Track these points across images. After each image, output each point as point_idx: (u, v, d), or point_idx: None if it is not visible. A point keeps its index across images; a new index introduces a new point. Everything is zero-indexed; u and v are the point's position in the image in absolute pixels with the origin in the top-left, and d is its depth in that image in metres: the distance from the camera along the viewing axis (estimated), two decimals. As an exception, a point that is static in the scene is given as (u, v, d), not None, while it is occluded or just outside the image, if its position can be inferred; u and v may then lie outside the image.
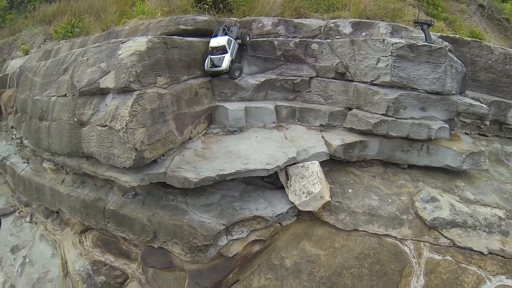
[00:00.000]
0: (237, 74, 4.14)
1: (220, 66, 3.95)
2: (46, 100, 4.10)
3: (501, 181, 3.92)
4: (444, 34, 4.83)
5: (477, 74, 4.85)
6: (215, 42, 3.98)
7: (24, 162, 5.05)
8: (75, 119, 3.44)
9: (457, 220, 3.23)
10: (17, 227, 4.93)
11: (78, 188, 3.98)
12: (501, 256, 3.12)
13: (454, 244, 3.17)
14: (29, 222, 4.92)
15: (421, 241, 3.18)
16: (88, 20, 6.23)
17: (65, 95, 3.76)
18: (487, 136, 4.86)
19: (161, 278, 3.25)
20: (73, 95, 3.57)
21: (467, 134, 4.73)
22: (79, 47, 5.10)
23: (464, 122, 4.80)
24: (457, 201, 3.47)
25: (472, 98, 4.42)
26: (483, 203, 3.50)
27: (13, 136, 5.63)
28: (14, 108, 5.36)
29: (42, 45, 6.50)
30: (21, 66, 5.90)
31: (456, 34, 5.55)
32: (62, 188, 4.09)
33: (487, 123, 4.80)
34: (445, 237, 3.20)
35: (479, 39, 5.50)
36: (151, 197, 3.44)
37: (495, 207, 3.45)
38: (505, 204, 3.49)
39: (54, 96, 3.96)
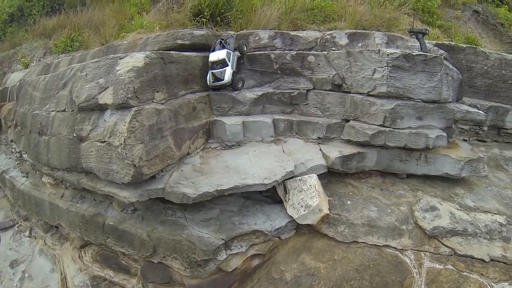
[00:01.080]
0: (240, 85, 4.18)
1: (223, 80, 4.00)
2: (45, 114, 4.12)
3: (501, 186, 3.91)
4: (440, 42, 4.88)
5: (473, 80, 4.89)
6: (214, 56, 4.02)
7: (24, 176, 5.06)
8: (74, 135, 3.45)
9: (457, 228, 3.22)
10: (16, 241, 4.92)
11: (77, 203, 3.98)
12: (503, 263, 3.10)
13: (455, 253, 3.16)
14: (29, 237, 4.90)
15: (421, 250, 3.17)
16: (88, 34, 6.28)
17: (64, 110, 3.78)
18: (486, 142, 4.87)
19: (161, 294, 3.24)
20: (72, 111, 3.59)
21: (466, 140, 4.74)
22: (78, 61, 5.14)
23: (462, 128, 4.81)
24: (457, 209, 3.47)
25: (469, 105, 4.45)
26: (483, 209, 3.48)
27: (13, 150, 5.65)
28: (14, 122, 5.38)
29: (42, 59, 6.56)
30: (21, 80, 5.93)
31: (451, 41, 5.60)
32: (61, 203, 4.09)
33: (485, 128, 4.81)
34: (446, 246, 3.18)
35: (475, 44, 5.55)
36: (150, 212, 3.44)
37: (496, 213, 3.44)
38: (506, 210, 3.48)
39: (53, 111, 3.99)
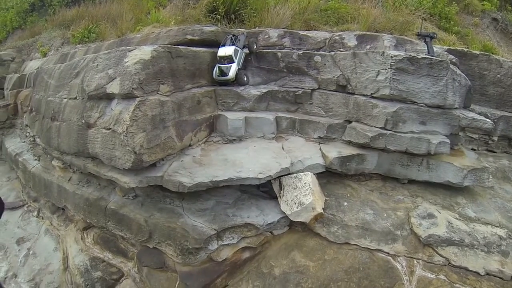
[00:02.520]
0: (245, 79, 4.28)
1: (227, 76, 4.14)
2: (58, 101, 4.30)
3: (506, 199, 3.80)
4: (452, 47, 4.78)
5: (485, 88, 4.77)
6: (222, 51, 4.15)
7: (35, 159, 5.29)
8: (83, 121, 3.60)
9: (453, 238, 3.15)
10: (24, 220, 5.15)
11: (83, 187, 4.14)
12: (499, 278, 3.00)
13: (449, 263, 3.08)
14: (36, 217, 5.13)
15: (414, 258, 3.11)
16: (105, 26, 6.47)
17: (75, 98, 3.94)
18: (495, 152, 4.74)
19: (154, 278, 3.34)
20: (83, 98, 3.74)
21: (474, 150, 4.63)
22: (93, 52, 5.33)
23: (471, 137, 4.70)
24: (456, 218, 3.39)
25: (479, 113, 4.34)
26: (484, 221, 3.40)
27: (27, 134, 5.91)
28: (29, 108, 5.63)
29: (60, 48, 6.80)
30: (38, 68, 6.19)
31: (467, 47, 5.48)
32: (68, 186, 4.27)
33: (495, 138, 4.69)
34: (440, 255, 3.11)
35: (492, 53, 5.40)
36: (150, 199, 3.55)
37: (497, 226, 3.34)
38: (508, 223, 3.37)
39: (65, 98, 4.16)
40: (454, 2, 7.10)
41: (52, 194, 4.56)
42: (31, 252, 4.52)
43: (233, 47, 4.12)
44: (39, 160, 5.18)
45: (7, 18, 9.17)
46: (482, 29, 7.15)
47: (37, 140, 5.28)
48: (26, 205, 5.41)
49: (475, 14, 7.42)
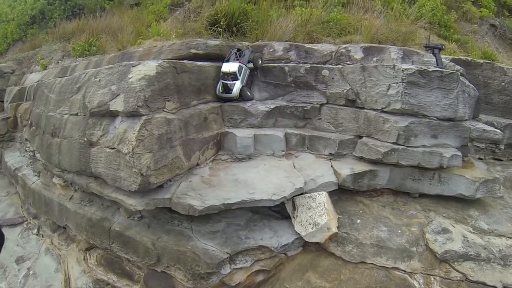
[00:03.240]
0: (249, 95, 4.21)
1: (231, 93, 4.06)
2: (59, 117, 4.19)
3: (517, 209, 3.75)
4: (456, 57, 4.78)
5: (490, 97, 4.76)
6: (226, 68, 4.06)
7: (35, 175, 5.16)
8: (85, 139, 3.49)
9: (469, 253, 3.08)
10: (24, 238, 4.99)
11: (85, 206, 4.02)
12: (517, 291, 2.95)
13: (467, 279, 3.01)
14: (36, 235, 4.97)
15: (431, 275, 3.04)
16: (105, 39, 6.40)
17: (77, 114, 3.83)
18: (502, 161, 4.71)
19: (162, 303, 3.21)
20: (84, 115, 3.64)
21: (481, 159, 4.60)
22: (94, 66, 5.24)
23: (478, 147, 4.67)
24: (470, 232, 3.33)
25: (486, 122, 4.33)
26: (498, 233, 3.34)
27: (27, 148, 5.77)
28: (29, 122, 5.50)
29: (60, 61, 6.70)
30: (38, 81, 6.08)
31: (468, 55, 5.48)
32: (70, 205, 4.14)
33: (502, 147, 4.67)
34: (457, 270, 3.04)
35: (492, 59, 5.43)
36: (157, 221, 3.43)
37: (510, 238, 3.29)
38: (522, 234, 3.32)
39: (66, 114, 4.05)
40: (452, 10, 7.15)
41: (53, 212, 4.43)
42: (31, 272, 4.36)
43: (237, 64, 4.04)
44: (39, 176, 5.04)
45: (8, 30, 9.10)
46: (481, 36, 7.20)
47: (37, 155, 5.15)
48: (26, 222, 5.25)
49: (474, 21, 7.48)
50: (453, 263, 3.07)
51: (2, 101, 7.31)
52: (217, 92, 4.14)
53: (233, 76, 4.01)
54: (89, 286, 3.81)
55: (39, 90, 5.27)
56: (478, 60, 4.77)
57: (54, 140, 4.19)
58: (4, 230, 5.16)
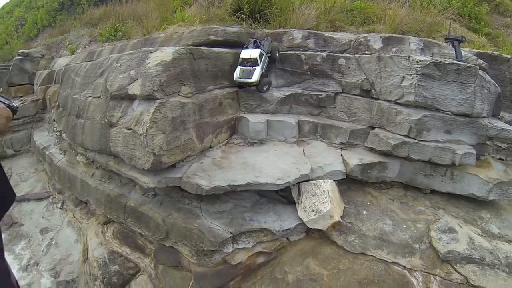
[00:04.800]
0: (265, 89, 4.19)
1: (250, 78, 4.01)
2: (83, 99, 4.45)
3: (534, 215, 3.60)
4: (482, 51, 4.57)
5: (516, 95, 4.52)
6: (247, 53, 4.06)
7: (61, 154, 5.52)
8: (106, 120, 3.70)
9: (473, 256, 2.98)
10: (49, 211, 5.39)
11: (105, 183, 4.28)
12: (519, 302, 2.84)
13: (467, 282, 2.90)
14: (60, 208, 5.36)
15: (431, 273, 2.97)
16: (131, 25, 6.60)
17: (99, 97, 4.06)
18: (525, 163, 4.49)
19: (169, 276, 3.40)
20: (106, 98, 3.84)
21: (502, 160, 4.39)
22: (118, 51, 5.46)
23: (499, 146, 4.45)
24: (478, 234, 3.21)
25: (510, 121, 4.12)
26: (508, 238, 3.20)
27: (54, 129, 6.17)
28: (57, 103, 5.87)
29: (87, 46, 7.02)
30: (66, 65, 6.43)
31: (498, 50, 5.21)
32: (91, 181, 4.42)
33: (525, 148, 4.43)
34: (458, 272, 2.95)
35: (524, 55, 5.12)
36: (169, 198, 3.60)
37: (521, 245, 3.18)
38: (535, 242, 3.20)
39: (90, 96, 4.30)
40: (484, 2, 6.78)
41: (76, 188, 4.74)
42: (53, 242, 4.72)
43: (258, 50, 4.04)
44: (64, 155, 5.39)
45: (38, 17, 9.58)
46: (514, 30, 6.80)
47: (63, 135, 5.50)
48: (51, 197, 5.66)
49: (507, 14, 7.07)
50: (455, 265, 2.98)
51: (33, 84, 7.77)
52: (234, 78, 4.15)
53: (254, 62, 4.00)
54: (104, 257, 4.07)
55: (66, 74, 5.59)
56: (505, 55, 4.52)
57: (79, 121, 4.46)
58: (31, 203, 5.62)
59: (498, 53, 4.59)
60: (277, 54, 4.28)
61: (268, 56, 4.23)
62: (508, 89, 4.44)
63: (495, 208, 3.56)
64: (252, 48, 4.15)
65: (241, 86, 4.23)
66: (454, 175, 3.50)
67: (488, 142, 4.02)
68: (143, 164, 3.11)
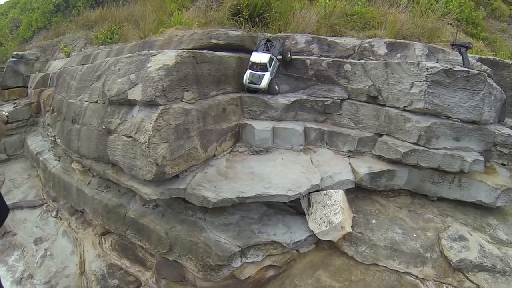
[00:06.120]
0: (277, 89, 4.13)
1: (259, 85, 3.95)
2: (79, 104, 4.27)
3: (539, 220, 3.59)
4: (483, 56, 4.58)
5: (518, 100, 4.52)
6: (256, 58, 3.98)
7: (56, 160, 5.31)
8: (103, 127, 3.54)
9: (485, 264, 2.96)
10: (43, 220, 5.17)
11: (102, 192, 4.10)
12: (531, 308, 2.82)
13: None
14: (55, 217, 5.14)
15: (443, 283, 2.95)
16: (127, 28, 6.47)
17: (96, 102, 3.89)
18: (527, 168, 4.49)
19: (172, 291, 3.27)
20: (104, 103, 3.68)
21: (504, 165, 4.38)
22: (115, 54, 5.30)
23: (501, 151, 4.44)
24: (488, 241, 3.20)
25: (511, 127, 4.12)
26: (516, 245, 3.21)
27: (49, 133, 5.94)
28: (51, 107, 5.65)
29: (83, 49, 6.83)
30: (61, 68, 6.22)
31: (496, 54, 5.23)
32: (87, 190, 4.24)
33: (528, 154, 4.43)
34: (471, 281, 2.93)
35: (521, 60, 5.14)
36: (171, 210, 3.46)
37: (529, 250, 3.15)
38: (542, 247, 3.17)
39: (86, 101, 4.13)
40: (481, 7, 6.84)
41: (71, 196, 4.56)
42: (48, 253, 4.52)
43: (268, 55, 3.94)
44: (59, 161, 5.19)
45: (33, 18, 9.37)
46: (510, 35, 6.90)
47: (58, 140, 5.30)
48: (45, 205, 5.44)
49: (503, 19, 7.15)
50: (467, 273, 2.96)
51: (27, 87, 7.53)
52: (244, 82, 4.07)
53: (263, 67, 3.92)
54: (103, 270, 3.91)
55: (62, 77, 5.39)
56: (507, 61, 4.54)
57: (74, 126, 4.28)
58: (24, 211, 5.38)
59: (499, 58, 4.60)
60: (289, 56, 4.18)
61: (278, 59, 4.14)
62: (509, 94, 4.43)
63: (501, 214, 3.55)
64: (262, 51, 4.03)
65: (251, 91, 4.14)
66: (462, 182, 3.47)
67: (492, 149, 4.02)
68: (144, 175, 2.97)
